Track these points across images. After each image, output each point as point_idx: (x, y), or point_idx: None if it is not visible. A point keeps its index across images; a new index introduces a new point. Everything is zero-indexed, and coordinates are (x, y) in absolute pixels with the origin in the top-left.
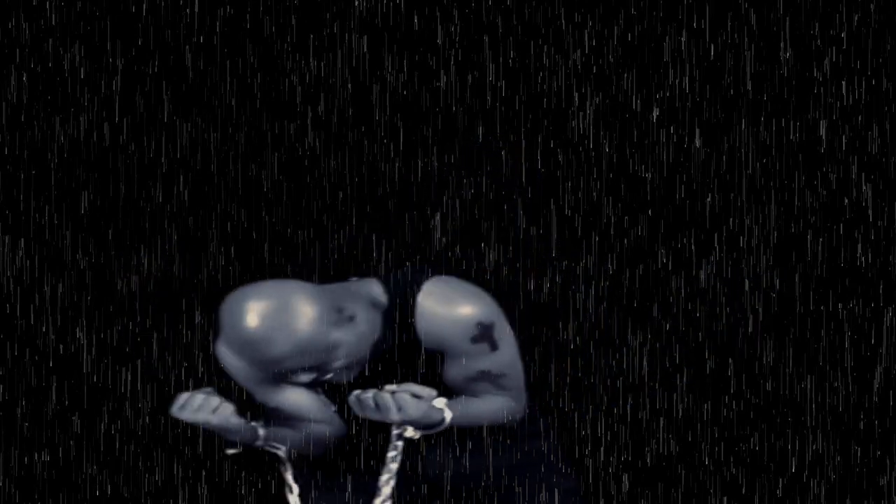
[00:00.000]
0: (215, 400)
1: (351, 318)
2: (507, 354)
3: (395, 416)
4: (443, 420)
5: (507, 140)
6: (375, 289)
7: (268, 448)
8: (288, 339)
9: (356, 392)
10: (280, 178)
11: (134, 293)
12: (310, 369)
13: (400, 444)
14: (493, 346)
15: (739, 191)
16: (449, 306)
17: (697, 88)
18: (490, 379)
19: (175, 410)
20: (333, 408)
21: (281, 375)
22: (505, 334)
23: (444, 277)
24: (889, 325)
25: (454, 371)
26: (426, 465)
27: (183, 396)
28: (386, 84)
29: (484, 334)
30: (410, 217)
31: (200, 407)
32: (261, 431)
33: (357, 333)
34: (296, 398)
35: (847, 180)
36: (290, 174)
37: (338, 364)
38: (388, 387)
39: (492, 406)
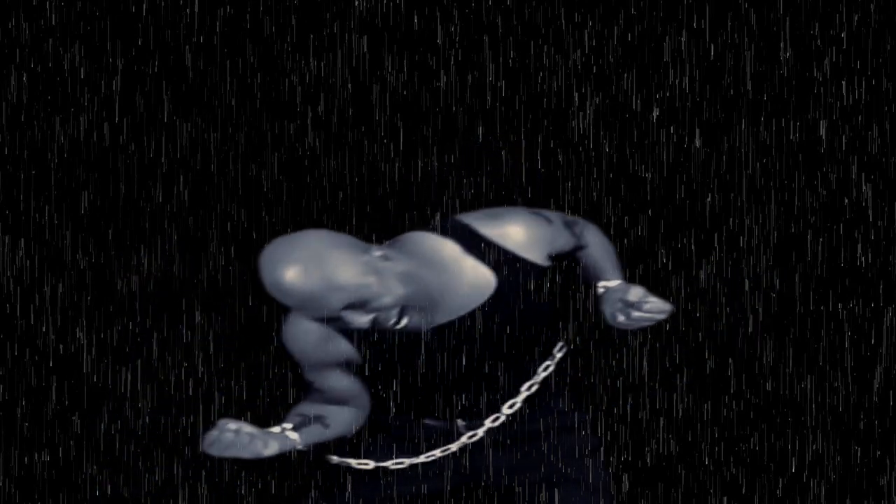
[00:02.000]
0: (244, 437)
1: (384, 258)
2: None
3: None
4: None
5: (507, 140)
6: (429, 238)
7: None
8: (318, 275)
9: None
10: (280, 178)
11: (134, 293)
12: (360, 307)
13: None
14: (548, 219)
15: (739, 191)
16: (515, 225)
17: (697, 88)
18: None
19: (206, 448)
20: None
21: (342, 322)
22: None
23: (466, 215)
24: (889, 325)
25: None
26: (426, 465)
27: (212, 434)
28: (386, 84)
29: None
30: (410, 217)
31: (231, 444)
32: (296, 437)
33: (398, 271)
34: (341, 381)
35: (847, 180)
36: (290, 174)
37: (385, 301)
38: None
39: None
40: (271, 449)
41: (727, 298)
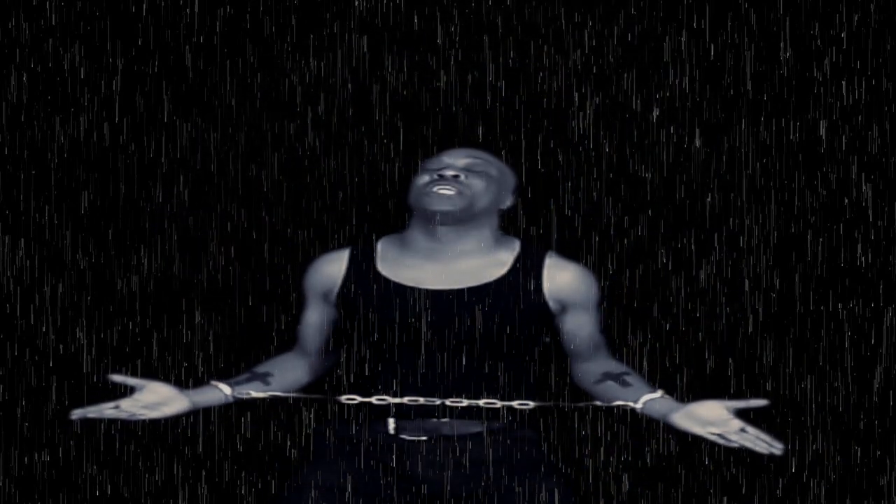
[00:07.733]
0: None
1: None
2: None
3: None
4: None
5: (507, 140)
6: None
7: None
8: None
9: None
10: (280, 178)
11: (134, 293)
12: None
13: None
14: None
15: (739, 191)
16: None
17: (697, 88)
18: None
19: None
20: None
21: None
22: None
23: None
24: (889, 325)
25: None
26: (426, 465)
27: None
28: (386, 84)
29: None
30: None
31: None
32: (224, 388)
33: None
34: (313, 317)
35: (847, 180)
36: (290, 174)
37: None
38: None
39: None
40: (171, 408)
41: (727, 298)
